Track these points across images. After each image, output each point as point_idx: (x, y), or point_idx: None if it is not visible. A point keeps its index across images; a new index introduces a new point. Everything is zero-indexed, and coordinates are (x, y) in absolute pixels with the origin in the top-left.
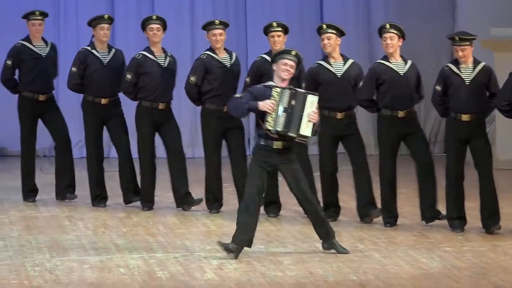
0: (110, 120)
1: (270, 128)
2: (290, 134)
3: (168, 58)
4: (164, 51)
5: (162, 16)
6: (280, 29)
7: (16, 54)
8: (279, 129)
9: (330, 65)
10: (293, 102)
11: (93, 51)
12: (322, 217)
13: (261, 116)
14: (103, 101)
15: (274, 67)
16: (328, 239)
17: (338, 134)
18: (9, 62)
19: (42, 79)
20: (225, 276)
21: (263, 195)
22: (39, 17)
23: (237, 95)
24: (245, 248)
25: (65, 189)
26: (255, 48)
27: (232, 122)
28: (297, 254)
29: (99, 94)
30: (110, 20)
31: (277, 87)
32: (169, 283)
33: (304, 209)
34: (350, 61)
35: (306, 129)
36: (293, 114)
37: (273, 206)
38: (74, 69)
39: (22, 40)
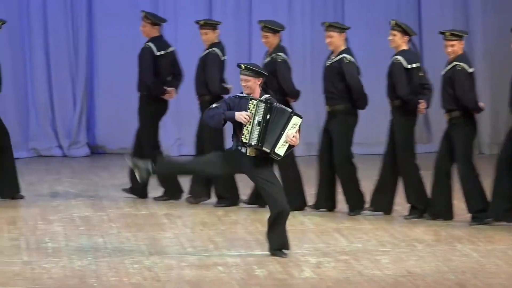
0: None
1: (245, 140)
2: (264, 148)
3: None
4: None
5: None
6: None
7: None
8: (253, 142)
9: None
10: (268, 116)
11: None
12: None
13: (239, 126)
14: None
15: None
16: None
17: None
18: None
19: None
20: (323, 274)
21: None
22: None
23: (214, 105)
24: (343, 247)
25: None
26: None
27: None
28: (395, 253)
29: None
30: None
31: (254, 99)
32: (267, 282)
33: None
34: None
35: (281, 148)
36: (268, 129)
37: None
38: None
39: None
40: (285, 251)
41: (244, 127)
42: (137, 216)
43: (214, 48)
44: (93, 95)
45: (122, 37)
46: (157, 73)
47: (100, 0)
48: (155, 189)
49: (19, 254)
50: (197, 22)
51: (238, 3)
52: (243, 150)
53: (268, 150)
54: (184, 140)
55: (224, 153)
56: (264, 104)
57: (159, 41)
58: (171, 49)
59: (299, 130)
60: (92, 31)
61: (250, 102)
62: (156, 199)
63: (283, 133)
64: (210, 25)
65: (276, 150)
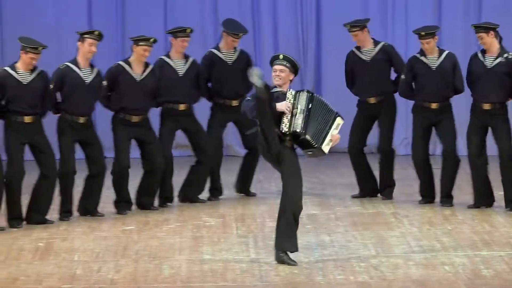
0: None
1: (285, 129)
2: (307, 137)
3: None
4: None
5: None
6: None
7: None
8: (297, 129)
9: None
10: (310, 106)
11: (422, 57)
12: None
13: (277, 118)
14: (433, 105)
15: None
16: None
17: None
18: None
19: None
20: None
21: None
22: None
23: (248, 98)
24: None
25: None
26: None
27: None
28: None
29: (428, 99)
30: None
31: (283, 91)
32: (494, 282)
33: None
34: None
35: (326, 146)
36: (311, 117)
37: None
38: (403, 76)
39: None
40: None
41: (284, 117)
42: (364, 215)
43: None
44: (321, 94)
45: (349, 38)
46: None
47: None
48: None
49: (247, 251)
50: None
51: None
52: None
53: (312, 142)
54: (411, 140)
55: None
56: (306, 93)
57: None
58: None
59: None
60: (320, 32)
61: (289, 92)
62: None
63: (329, 132)
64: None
65: (322, 147)
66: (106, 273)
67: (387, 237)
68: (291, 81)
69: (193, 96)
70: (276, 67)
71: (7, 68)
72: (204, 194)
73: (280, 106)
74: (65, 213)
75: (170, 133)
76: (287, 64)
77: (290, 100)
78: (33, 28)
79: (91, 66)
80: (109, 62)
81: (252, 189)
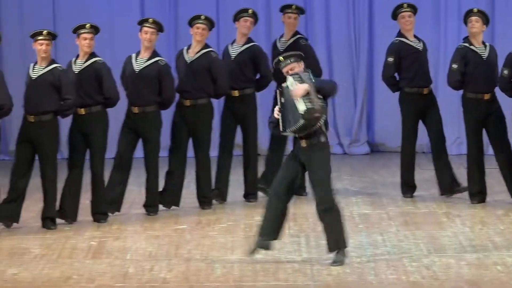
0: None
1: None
2: (293, 127)
3: None
4: None
5: None
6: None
7: (396, 51)
8: (281, 129)
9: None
10: (282, 100)
11: (471, 47)
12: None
13: None
14: (485, 96)
15: None
16: None
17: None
18: (390, 59)
19: (422, 74)
20: None
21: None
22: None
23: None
24: None
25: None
26: None
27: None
28: None
29: (480, 90)
30: None
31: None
32: None
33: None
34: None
35: (300, 107)
36: (286, 110)
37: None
38: (455, 66)
39: (398, 37)
40: None
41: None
42: (416, 214)
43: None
44: (373, 93)
45: None
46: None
47: None
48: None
49: (298, 251)
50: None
51: None
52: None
53: (295, 128)
54: (463, 139)
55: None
56: (278, 91)
57: None
58: None
59: (299, 81)
60: (373, 28)
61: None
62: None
63: (293, 99)
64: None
65: (300, 111)
66: (158, 272)
67: (439, 237)
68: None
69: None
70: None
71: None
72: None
73: (274, 114)
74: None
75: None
76: (292, 59)
77: (276, 101)
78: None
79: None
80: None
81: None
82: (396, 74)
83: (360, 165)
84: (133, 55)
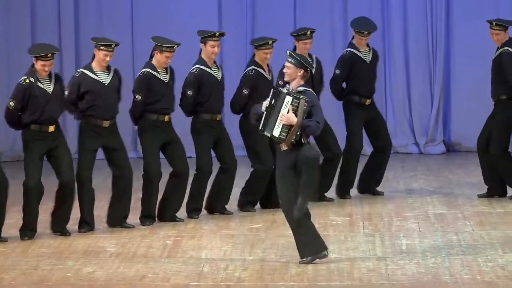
0: None
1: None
2: (265, 133)
3: None
4: None
5: None
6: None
7: None
8: (260, 127)
9: None
10: (273, 101)
11: None
12: None
13: None
14: None
15: None
16: None
17: None
18: None
19: None
20: None
21: None
22: None
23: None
24: None
25: None
26: None
27: None
28: None
29: None
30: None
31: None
32: None
33: None
34: None
35: (276, 129)
36: (271, 114)
37: None
38: None
39: None
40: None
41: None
42: (491, 214)
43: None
44: (450, 92)
45: (479, 36)
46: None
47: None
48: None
49: (373, 250)
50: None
51: None
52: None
53: (268, 135)
54: None
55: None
56: (272, 90)
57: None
58: None
59: (296, 110)
60: (450, 29)
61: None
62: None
63: (278, 115)
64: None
65: (273, 133)
66: (233, 271)
67: None
68: (301, 76)
69: None
70: (285, 63)
71: (148, 69)
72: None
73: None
74: (194, 211)
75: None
76: (292, 61)
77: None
78: (165, 28)
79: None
80: (239, 62)
81: (380, 187)
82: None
83: (436, 165)
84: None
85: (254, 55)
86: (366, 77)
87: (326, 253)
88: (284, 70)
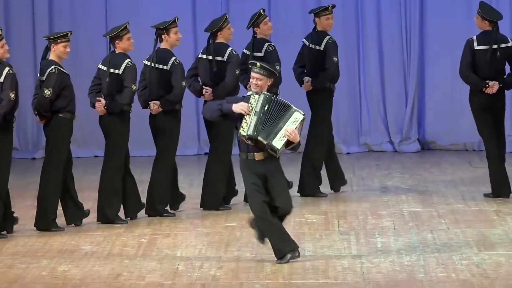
0: None
1: (243, 133)
2: (260, 138)
3: None
4: None
5: None
6: None
7: None
8: (249, 133)
9: None
10: (266, 107)
11: None
12: None
13: (240, 122)
14: None
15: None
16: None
17: None
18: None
19: None
20: None
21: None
22: None
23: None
24: None
25: None
26: None
27: None
28: None
29: None
30: None
31: (257, 93)
32: None
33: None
34: None
35: (278, 141)
36: (266, 119)
37: None
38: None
39: None
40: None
41: (244, 120)
42: (466, 212)
43: None
44: (424, 91)
45: (452, 33)
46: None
47: None
48: None
49: (348, 248)
50: None
51: None
52: (250, 157)
53: (264, 141)
54: None
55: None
56: (263, 95)
57: (484, 36)
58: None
59: (300, 127)
60: (424, 27)
61: (252, 96)
62: (486, 195)
63: (282, 127)
64: None
65: (273, 142)
66: (208, 269)
67: (489, 235)
68: (270, 85)
69: None
70: (254, 75)
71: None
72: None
73: (235, 107)
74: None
75: None
76: (264, 72)
77: (251, 103)
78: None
79: None
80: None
81: (355, 185)
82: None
83: (410, 163)
84: None
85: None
86: None
87: (298, 253)
88: (253, 82)
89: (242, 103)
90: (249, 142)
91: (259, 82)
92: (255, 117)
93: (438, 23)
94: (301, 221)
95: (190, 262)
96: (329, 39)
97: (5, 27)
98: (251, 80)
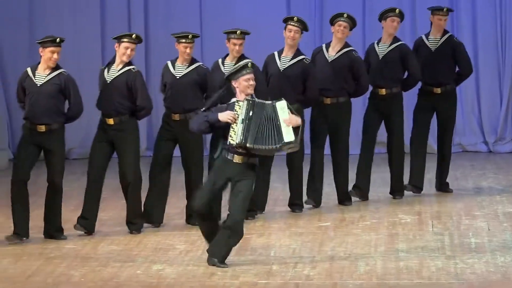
0: None
1: (232, 142)
2: (248, 145)
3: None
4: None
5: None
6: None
7: None
8: (237, 141)
9: None
10: (251, 113)
11: None
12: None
13: (227, 130)
14: None
15: (235, 84)
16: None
17: None
18: None
19: None
20: None
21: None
22: None
23: (200, 111)
24: None
25: None
26: None
27: None
28: None
29: None
30: None
31: (239, 100)
32: None
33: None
34: None
35: (287, 135)
36: (251, 125)
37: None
38: None
39: None
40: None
41: (231, 129)
42: None
43: None
44: None
45: None
46: None
47: None
48: None
49: (442, 249)
50: None
51: None
52: (229, 156)
53: (251, 146)
54: None
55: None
56: (246, 101)
57: None
58: None
59: (290, 110)
60: None
61: (236, 104)
62: None
63: (280, 123)
64: None
65: (285, 140)
66: (302, 269)
67: None
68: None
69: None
70: (250, 76)
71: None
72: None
73: (221, 116)
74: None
75: None
76: (257, 73)
77: (237, 111)
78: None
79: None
80: (307, 50)
81: (450, 186)
82: None
83: (505, 163)
84: (276, 54)
85: None
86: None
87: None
88: (251, 84)
89: (228, 111)
90: (240, 150)
91: (254, 83)
92: (242, 125)
93: None
94: (395, 221)
95: (283, 261)
96: None
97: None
98: (245, 83)
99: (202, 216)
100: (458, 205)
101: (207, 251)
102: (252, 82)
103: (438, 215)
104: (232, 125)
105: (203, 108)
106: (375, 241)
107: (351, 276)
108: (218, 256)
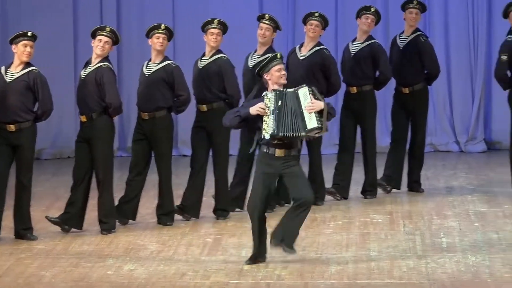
0: None
1: (266, 134)
2: (281, 134)
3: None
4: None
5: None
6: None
7: (510, 49)
8: (270, 132)
9: None
10: (279, 103)
11: None
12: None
13: (259, 123)
14: None
15: (266, 76)
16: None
17: None
18: (504, 57)
19: None
20: None
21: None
22: None
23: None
24: None
25: None
26: None
27: None
28: None
29: None
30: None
31: (268, 92)
32: None
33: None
34: None
35: (310, 122)
36: (283, 115)
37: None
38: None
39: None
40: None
41: (264, 122)
42: None
43: None
44: (491, 90)
45: None
46: None
47: None
48: None
49: (414, 249)
50: None
51: None
52: (271, 151)
53: (283, 135)
54: None
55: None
56: (274, 92)
57: None
58: None
59: (314, 96)
60: (492, 25)
61: (266, 96)
62: None
63: (303, 110)
64: None
65: (308, 127)
66: (273, 269)
67: None
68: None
69: None
70: (282, 66)
71: None
72: None
73: (252, 109)
74: (221, 211)
75: None
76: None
77: (266, 103)
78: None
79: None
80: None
81: (421, 186)
82: (508, 72)
83: (476, 163)
84: (251, 53)
85: None
86: None
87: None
88: (283, 73)
89: (257, 104)
90: (275, 141)
91: (267, 33)
92: (273, 116)
93: (506, 22)
94: (366, 221)
95: None
96: None
97: None
98: (277, 73)
99: (260, 218)
100: (429, 205)
101: (272, 235)
102: (284, 72)
103: (410, 215)
104: (264, 117)
105: (243, 104)
106: (347, 241)
107: (322, 276)
108: (288, 240)
